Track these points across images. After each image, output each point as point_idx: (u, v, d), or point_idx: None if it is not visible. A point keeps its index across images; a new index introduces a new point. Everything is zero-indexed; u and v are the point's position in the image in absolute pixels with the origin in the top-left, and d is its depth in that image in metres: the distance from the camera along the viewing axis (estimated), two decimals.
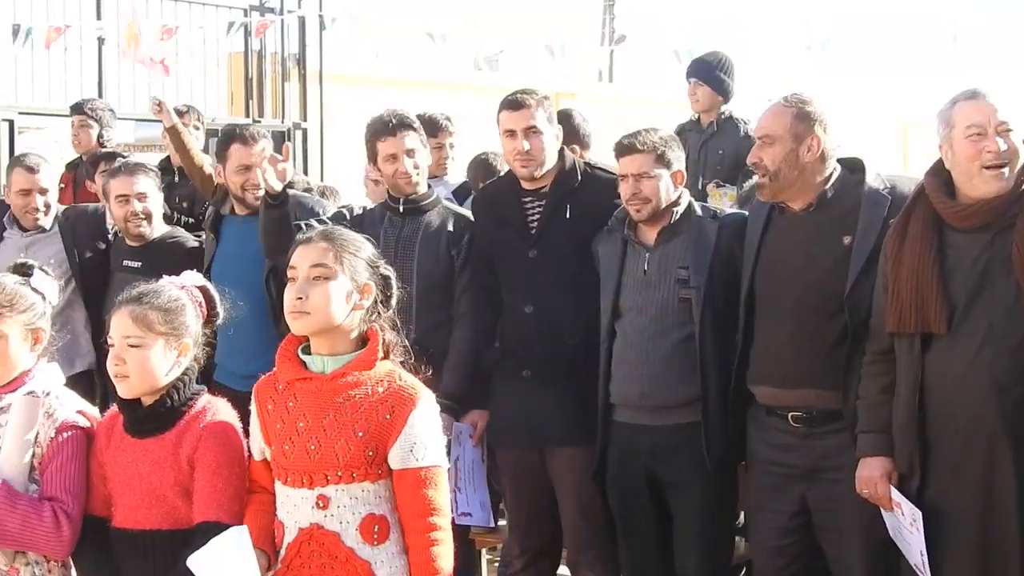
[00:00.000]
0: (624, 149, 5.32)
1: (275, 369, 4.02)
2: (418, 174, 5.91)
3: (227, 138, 6.38)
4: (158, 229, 6.81)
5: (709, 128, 8.69)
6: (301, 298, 3.86)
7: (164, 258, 6.54)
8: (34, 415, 4.11)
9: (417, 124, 6.01)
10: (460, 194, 7.27)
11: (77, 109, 9.03)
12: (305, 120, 14.16)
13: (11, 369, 4.22)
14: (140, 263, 6.65)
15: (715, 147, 8.60)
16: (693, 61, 8.83)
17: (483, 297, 5.75)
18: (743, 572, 6.03)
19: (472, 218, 5.96)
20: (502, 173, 7.50)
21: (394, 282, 4.02)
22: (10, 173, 7.28)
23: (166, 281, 4.21)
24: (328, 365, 3.91)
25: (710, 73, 8.59)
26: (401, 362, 3.98)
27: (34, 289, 4.27)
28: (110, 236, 7.04)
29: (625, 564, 5.52)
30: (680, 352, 5.20)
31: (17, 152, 12.26)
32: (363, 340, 3.95)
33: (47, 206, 7.11)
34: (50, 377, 4.31)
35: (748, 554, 5.60)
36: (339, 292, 3.87)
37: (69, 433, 4.16)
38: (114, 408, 4.20)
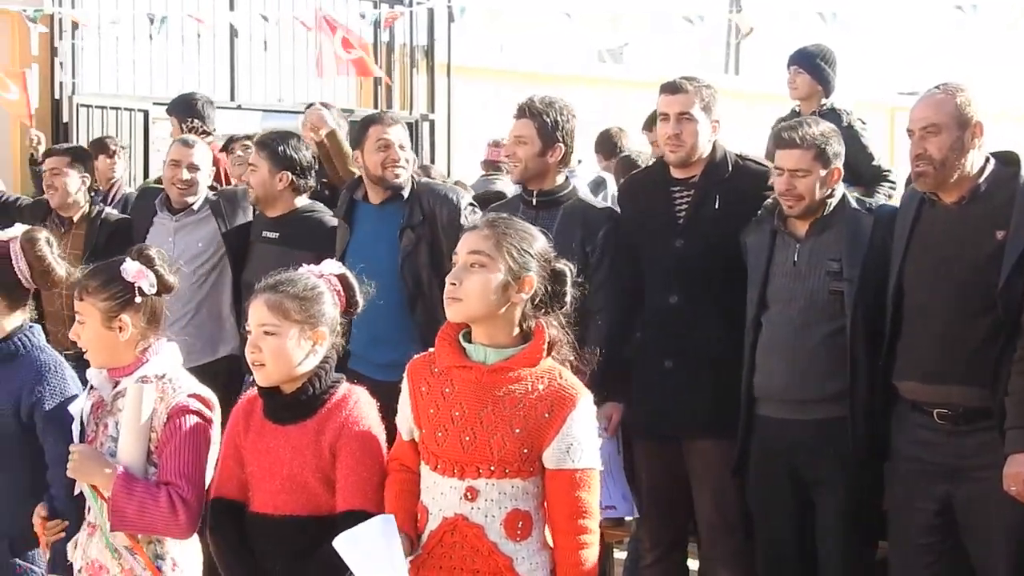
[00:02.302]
0: (783, 143, 5.20)
1: (431, 350, 3.97)
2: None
3: (365, 122, 6.42)
4: (298, 201, 6.84)
5: None
6: (455, 283, 3.82)
7: (301, 230, 6.68)
8: (147, 400, 4.17)
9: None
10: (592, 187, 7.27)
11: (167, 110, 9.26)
12: (433, 112, 14.25)
13: (104, 352, 4.32)
14: (278, 234, 6.72)
15: None
16: (795, 50, 8.77)
17: (621, 290, 5.70)
18: None
19: (607, 211, 5.93)
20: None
21: (569, 278, 3.92)
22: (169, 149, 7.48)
23: (304, 269, 4.25)
24: (490, 356, 3.85)
25: (810, 61, 8.41)
26: (564, 360, 3.90)
27: (121, 278, 4.31)
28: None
29: (762, 560, 5.43)
30: (827, 346, 5.12)
31: (152, 141, 12.57)
32: (526, 334, 3.88)
33: (192, 184, 7.12)
34: (166, 360, 4.35)
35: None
36: (493, 282, 3.79)
37: (182, 417, 4.21)
38: (251, 392, 4.25)
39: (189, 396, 4.27)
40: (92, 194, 8.02)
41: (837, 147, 5.24)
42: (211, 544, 4.25)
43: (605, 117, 12.83)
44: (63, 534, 4.38)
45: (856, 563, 5.22)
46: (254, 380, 4.21)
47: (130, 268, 4.31)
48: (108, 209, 7.78)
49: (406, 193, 6.26)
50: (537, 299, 3.86)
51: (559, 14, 13.48)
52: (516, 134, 5.85)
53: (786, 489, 5.27)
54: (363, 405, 4.14)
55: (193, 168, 7.14)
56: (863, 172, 8.21)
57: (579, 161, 8.24)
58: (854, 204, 5.28)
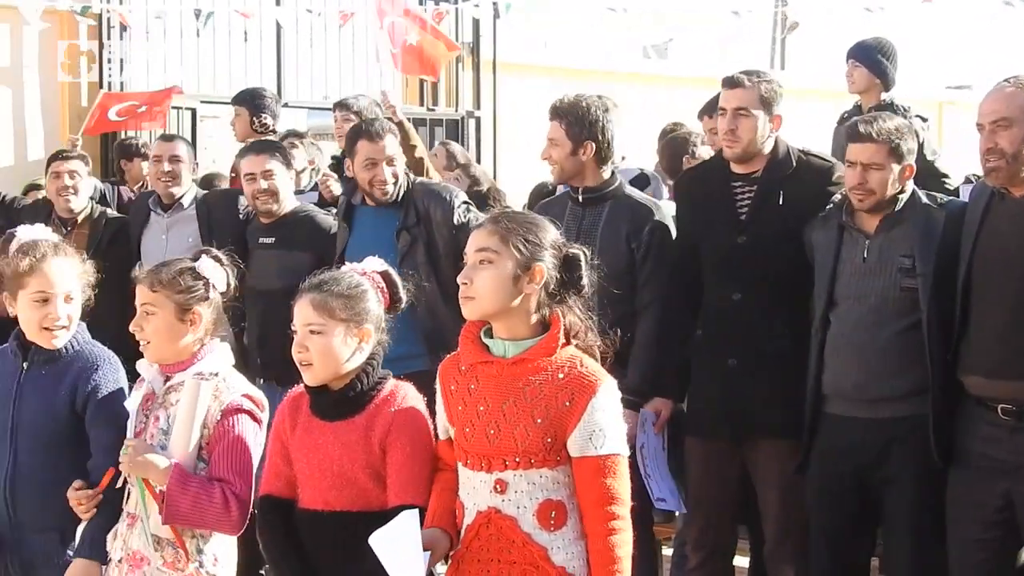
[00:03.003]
0: (858, 136, 5.12)
1: (458, 351, 4.02)
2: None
3: (355, 135, 6.46)
4: (288, 205, 6.95)
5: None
6: (466, 283, 3.87)
7: (295, 233, 6.78)
8: (203, 396, 4.23)
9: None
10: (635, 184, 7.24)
11: (233, 100, 9.36)
12: (478, 108, 14.26)
13: (168, 346, 4.36)
14: (273, 239, 6.83)
15: None
16: (854, 43, 8.72)
17: (674, 286, 5.66)
18: None
19: (654, 207, 5.88)
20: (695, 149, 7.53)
21: (583, 263, 3.93)
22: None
23: (348, 268, 4.28)
24: (509, 350, 3.89)
25: (868, 55, 8.33)
26: (588, 347, 3.91)
27: (197, 274, 4.40)
28: (242, 215, 7.21)
29: (813, 557, 5.37)
30: (898, 343, 5.06)
31: (200, 139, 12.64)
32: (546, 324, 3.91)
33: (175, 175, 7.43)
34: (220, 358, 4.43)
35: None
36: (503, 275, 3.83)
37: (235, 416, 4.28)
38: (296, 389, 4.28)
39: (242, 396, 4.34)
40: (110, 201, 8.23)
41: (912, 143, 5.17)
42: (260, 542, 4.29)
43: (650, 113, 12.83)
44: (94, 510, 4.43)
45: (927, 561, 5.14)
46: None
47: (207, 264, 4.41)
48: (110, 211, 7.94)
49: (400, 194, 6.35)
50: (551, 287, 3.89)
51: (604, 9, 13.49)
52: (548, 136, 5.87)
53: (850, 487, 5.21)
54: (411, 400, 4.17)
55: (174, 160, 7.44)
56: (918, 168, 8.16)
57: (623, 157, 8.22)
58: (924, 199, 5.21)
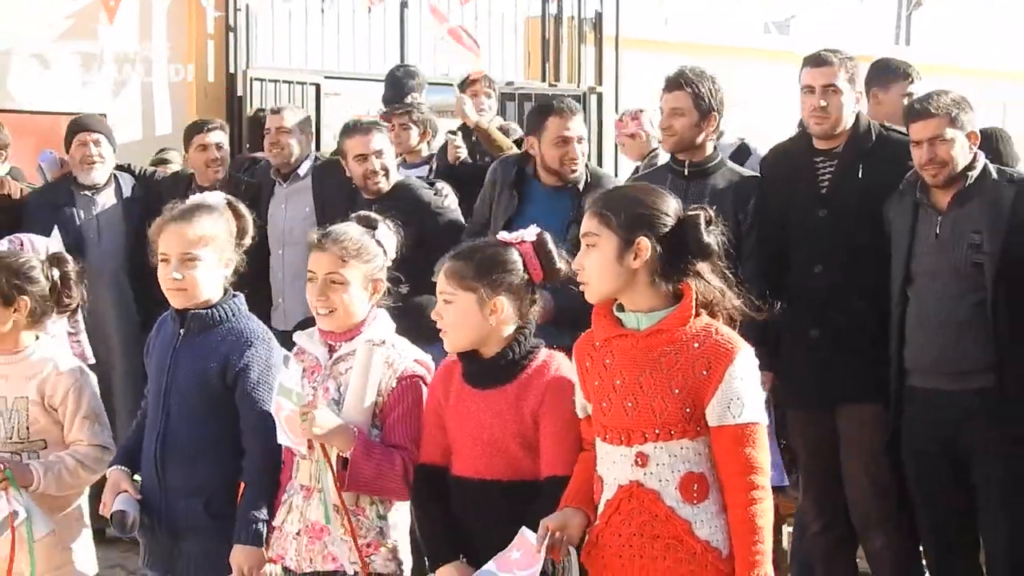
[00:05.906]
0: (915, 114, 5.25)
1: (591, 327, 3.98)
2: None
3: (544, 111, 6.41)
4: (393, 179, 6.96)
5: None
6: (580, 269, 3.88)
7: (396, 208, 6.81)
8: (377, 363, 4.25)
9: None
10: (736, 158, 7.18)
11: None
12: (600, 84, 14.24)
13: (350, 317, 4.37)
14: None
15: None
16: None
17: (769, 259, 5.73)
18: None
19: (757, 180, 5.96)
20: None
21: (702, 223, 3.83)
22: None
23: (502, 234, 4.26)
24: (642, 322, 3.84)
25: None
26: (731, 309, 3.86)
27: (377, 242, 4.43)
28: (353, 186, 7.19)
29: (923, 531, 5.45)
30: (976, 316, 5.12)
31: (323, 115, 12.75)
32: (678, 294, 3.85)
33: (284, 145, 7.70)
34: (384, 326, 4.44)
35: None
36: (606, 257, 3.81)
37: (410, 382, 4.31)
38: (451, 357, 4.26)
39: (414, 361, 4.37)
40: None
41: (969, 112, 5.23)
42: (414, 509, 4.33)
43: (771, 89, 12.74)
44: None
45: (1021, 535, 5.17)
46: None
47: (384, 232, 4.46)
48: (244, 177, 8.13)
49: (580, 184, 6.32)
50: (666, 256, 3.80)
51: None
52: (673, 106, 5.89)
53: (942, 460, 5.26)
54: (564, 371, 4.14)
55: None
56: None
57: (741, 139, 8.23)
58: (995, 175, 5.25)
